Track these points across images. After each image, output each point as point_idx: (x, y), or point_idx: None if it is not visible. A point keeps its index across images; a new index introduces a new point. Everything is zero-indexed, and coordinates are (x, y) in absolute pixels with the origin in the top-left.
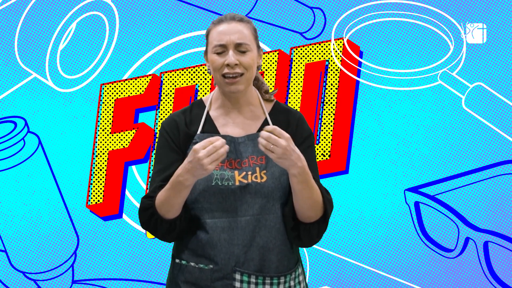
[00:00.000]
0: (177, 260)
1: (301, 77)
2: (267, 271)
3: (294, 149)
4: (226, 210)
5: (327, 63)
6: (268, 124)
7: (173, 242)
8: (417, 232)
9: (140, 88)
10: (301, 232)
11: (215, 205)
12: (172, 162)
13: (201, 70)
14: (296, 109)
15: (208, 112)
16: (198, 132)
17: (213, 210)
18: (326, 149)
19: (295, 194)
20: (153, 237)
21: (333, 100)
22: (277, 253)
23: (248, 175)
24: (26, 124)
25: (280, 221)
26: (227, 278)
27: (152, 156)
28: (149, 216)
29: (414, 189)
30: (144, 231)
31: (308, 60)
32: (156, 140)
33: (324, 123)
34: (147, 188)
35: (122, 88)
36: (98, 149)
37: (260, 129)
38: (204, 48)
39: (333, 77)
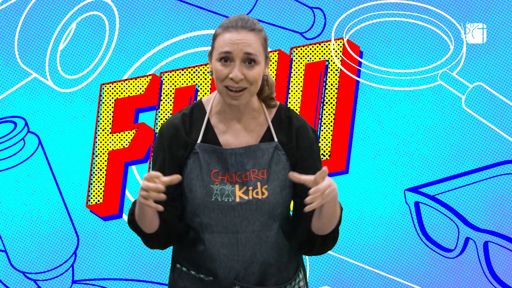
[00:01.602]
0: (178, 265)
1: (301, 77)
2: (267, 284)
3: (330, 180)
4: (225, 226)
5: (327, 63)
6: (271, 134)
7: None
8: (417, 232)
9: (140, 88)
10: (316, 246)
11: (215, 221)
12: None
13: (201, 70)
14: (298, 114)
15: (208, 119)
16: (199, 141)
17: (212, 226)
18: (326, 149)
19: (326, 215)
20: None
21: (333, 100)
22: (278, 267)
23: (249, 190)
24: (26, 124)
25: (281, 237)
26: None
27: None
28: (130, 221)
29: (414, 189)
30: None
31: (308, 60)
32: (154, 146)
33: (324, 123)
34: None
35: (122, 88)
36: (98, 149)
37: (262, 139)
38: (208, 48)
39: (333, 77)
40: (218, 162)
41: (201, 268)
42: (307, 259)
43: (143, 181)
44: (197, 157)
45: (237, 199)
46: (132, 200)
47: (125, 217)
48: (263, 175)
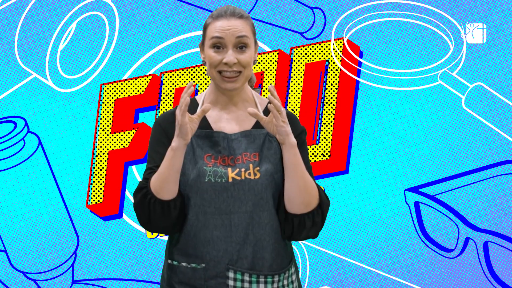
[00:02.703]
0: (169, 261)
1: (301, 77)
2: (260, 269)
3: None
4: (219, 207)
5: (327, 63)
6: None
7: (166, 241)
8: (417, 232)
9: (140, 88)
10: (295, 226)
11: (208, 202)
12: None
13: (201, 70)
14: (286, 109)
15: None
16: None
17: (205, 207)
18: (326, 149)
19: (290, 172)
20: (153, 236)
21: (333, 100)
22: (271, 251)
23: (241, 171)
24: (26, 124)
25: (273, 218)
26: (220, 277)
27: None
28: (142, 195)
29: (414, 189)
30: (144, 230)
31: (308, 60)
32: (151, 133)
33: (324, 123)
34: None
35: (122, 88)
36: (98, 149)
37: (255, 126)
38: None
39: (333, 77)
40: (211, 146)
41: (191, 257)
42: (307, 259)
43: (178, 109)
44: (190, 142)
45: (230, 180)
46: (132, 200)
47: (125, 217)
48: (255, 158)
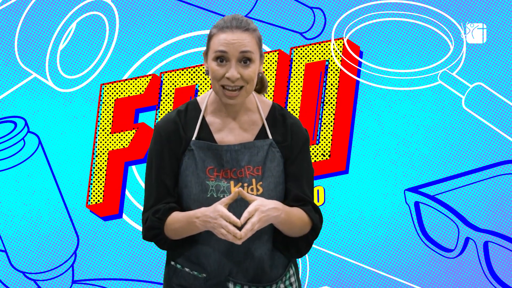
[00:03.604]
0: (172, 263)
1: (301, 77)
2: (260, 281)
3: (266, 206)
4: None
5: (327, 63)
6: (266, 132)
7: None
8: (417, 232)
9: (140, 88)
10: (289, 245)
11: None
12: (170, 172)
13: (201, 70)
14: (291, 112)
15: (203, 117)
16: (193, 138)
17: None
18: (326, 149)
19: (280, 229)
20: None
21: (333, 100)
22: (271, 264)
23: (244, 187)
24: (26, 124)
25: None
26: (221, 286)
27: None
28: (154, 235)
29: (414, 189)
30: None
31: (308, 60)
32: (152, 143)
33: (324, 123)
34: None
35: (122, 88)
36: (98, 149)
37: (257, 137)
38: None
39: (333, 77)
40: (213, 159)
41: (195, 265)
42: (307, 258)
43: (221, 220)
44: (192, 154)
45: None
46: (132, 200)
47: (125, 216)
48: (258, 172)
